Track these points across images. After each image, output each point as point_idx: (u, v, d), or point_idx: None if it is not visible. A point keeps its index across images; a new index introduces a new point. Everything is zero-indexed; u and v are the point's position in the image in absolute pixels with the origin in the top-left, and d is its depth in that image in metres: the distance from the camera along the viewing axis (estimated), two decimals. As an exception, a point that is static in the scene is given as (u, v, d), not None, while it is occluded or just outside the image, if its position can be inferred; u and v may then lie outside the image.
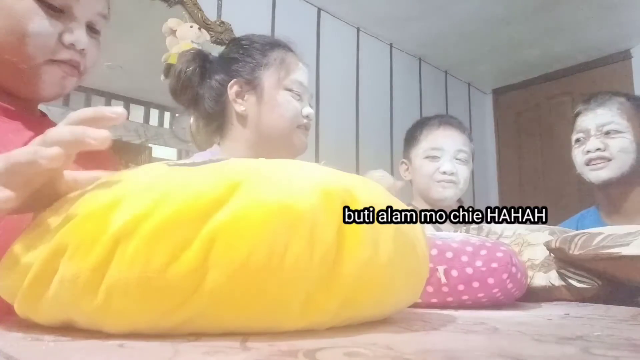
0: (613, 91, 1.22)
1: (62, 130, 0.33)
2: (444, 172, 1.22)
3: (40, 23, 0.59)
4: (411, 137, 1.34)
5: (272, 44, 0.95)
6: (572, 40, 2.49)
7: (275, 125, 0.91)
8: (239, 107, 0.91)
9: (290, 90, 0.91)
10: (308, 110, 0.93)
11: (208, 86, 0.94)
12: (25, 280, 0.29)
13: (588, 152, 1.16)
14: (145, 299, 0.27)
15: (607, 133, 1.14)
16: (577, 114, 1.22)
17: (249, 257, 0.27)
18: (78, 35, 0.62)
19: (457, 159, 1.25)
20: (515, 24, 2.35)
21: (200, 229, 0.27)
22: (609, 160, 1.14)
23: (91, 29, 0.66)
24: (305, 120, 0.93)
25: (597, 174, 1.15)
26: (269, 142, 0.91)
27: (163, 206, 0.28)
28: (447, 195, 1.24)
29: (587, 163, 1.17)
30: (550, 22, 2.33)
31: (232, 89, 0.91)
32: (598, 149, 1.14)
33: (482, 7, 2.21)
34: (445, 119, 1.31)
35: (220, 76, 0.93)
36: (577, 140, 1.21)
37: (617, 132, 1.13)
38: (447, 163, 1.23)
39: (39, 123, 0.68)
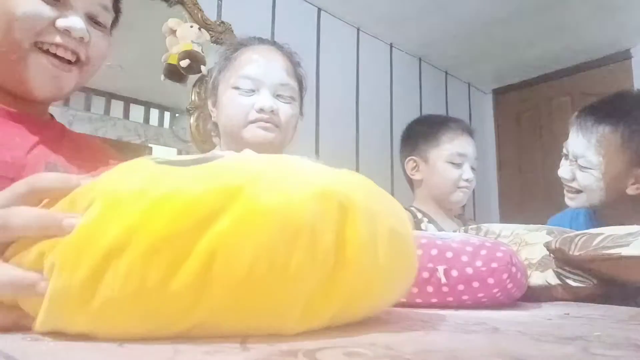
0: (606, 114, 1.05)
1: (28, 219, 0.29)
2: (467, 180, 1.26)
3: (30, 6, 0.58)
4: (430, 136, 1.31)
5: (231, 47, 0.96)
6: (572, 40, 2.49)
7: (226, 126, 0.91)
8: (213, 115, 0.95)
9: (236, 88, 0.89)
10: (262, 103, 0.86)
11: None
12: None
13: (560, 175, 1.12)
14: (141, 315, 0.26)
15: (579, 165, 1.07)
16: (570, 124, 1.14)
17: (251, 268, 0.26)
18: (73, 22, 0.60)
19: (471, 167, 1.30)
20: (515, 24, 2.35)
21: (198, 240, 0.26)
22: (578, 191, 1.08)
23: (94, 21, 0.65)
24: (255, 115, 0.87)
25: (568, 202, 1.11)
26: (232, 143, 0.91)
27: (156, 218, 0.26)
28: (464, 200, 1.30)
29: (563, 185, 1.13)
30: (550, 22, 2.33)
31: (209, 101, 0.97)
32: (565, 179, 1.10)
33: (482, 7, 2.21)
34: (466, 125, 1.34)
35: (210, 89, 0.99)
36: (563, 154, 1.15)
37: (587, 167, 1.05)
38: (468, 171, 1.28)
39: (45, 126, 0.67)
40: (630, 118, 1.02)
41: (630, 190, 1.02)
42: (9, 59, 0.59)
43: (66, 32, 0.60)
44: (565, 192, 1.13)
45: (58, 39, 0.60)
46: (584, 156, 1.05)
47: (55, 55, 0.61)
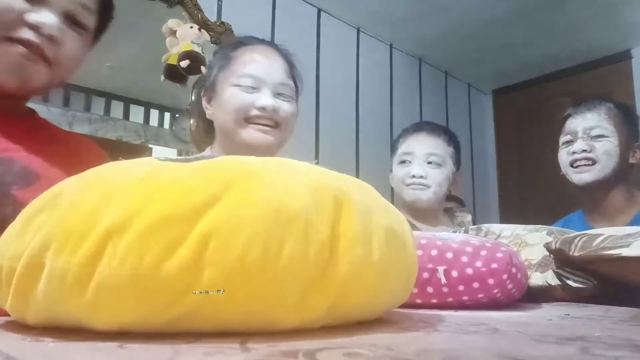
0: (603, 96, 1.28)
1: None
2: (413, 176, 1.25)
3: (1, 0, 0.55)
4: (393, 146, 1.39)
5: (231, 46, 0.98)
6: (572, 40, 2.49)
7: (224, 122, 0.91)
8: (208, 112, 0.96)
9: (237, 85, 0.89)
10: (263, 101, 0.88)
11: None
12: (14, 278, 0.29)
13: (574, 153, 1.20)
14: (137, 296, 0.26)
15: (594, 137, 1.18)
16: (567, 117, 1.28)
17: (243, 255, 0.27)
18: (45, 17, 0.58)
19: (428, 163, 1.27)
20: (515, 24, 2.35)
21: (194, 226, 0.27)
22: (594, 162, 1.17)
23: (73, 21, 0.62)
24: (256, 112, 0.88)
25: (580, 177, 1.19)
26: (227, 141, 0.92)
27: (156, 203, 0.27)
28: (418, 197, 1.26)
29: (572, 164, 1.21)
30: (550, 23, 2.33)
31: (203, 98, 0.97)
32: (584, 151, 1.18)
33: (482, 7, 2.21)
34: (420, 125, 1.36)
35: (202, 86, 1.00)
36: (565, 142, 1.25)
37: (603, 136, 1.17)
38: (416, 167, 1.26)
39: (15, 122, 0.64)
40: (619, 104, 1.25)
41: (632, 160, 1.21)
42: None
43: (35, 27, 0.57)
44: (575, 171, 1.21)
45: (26, 35, 0.57)
46: (599, 125, 1.19)
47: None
